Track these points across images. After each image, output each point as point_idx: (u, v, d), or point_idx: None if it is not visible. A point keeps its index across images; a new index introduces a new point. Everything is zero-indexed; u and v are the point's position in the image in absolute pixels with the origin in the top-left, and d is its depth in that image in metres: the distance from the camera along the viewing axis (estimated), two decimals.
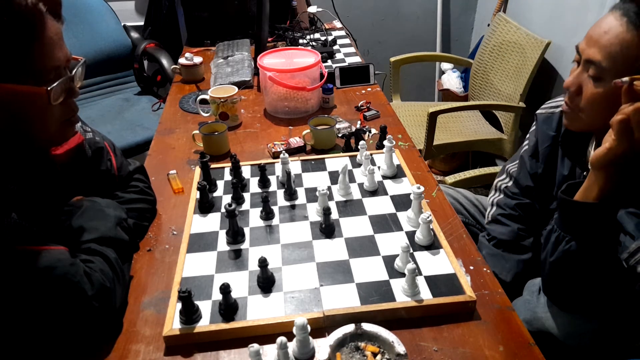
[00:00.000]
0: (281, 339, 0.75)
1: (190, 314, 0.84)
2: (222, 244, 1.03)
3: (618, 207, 0.87)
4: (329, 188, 1.17)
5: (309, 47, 1.98)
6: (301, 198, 1.16)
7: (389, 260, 0.96)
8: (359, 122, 1.52)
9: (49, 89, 0.79)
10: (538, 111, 1.17)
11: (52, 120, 0.85)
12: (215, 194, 1.19)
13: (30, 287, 0.77)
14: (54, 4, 0.80)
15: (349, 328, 0.81)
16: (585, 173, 1.02)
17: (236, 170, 1.20)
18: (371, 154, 1.29)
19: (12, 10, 0.73)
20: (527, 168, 1.21)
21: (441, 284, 0.91)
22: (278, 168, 1.25)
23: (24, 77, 0.77)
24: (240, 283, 0.93)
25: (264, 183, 1.20)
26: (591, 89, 0.91)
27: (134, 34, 2.51)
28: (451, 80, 2.90)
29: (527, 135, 1.23)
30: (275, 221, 1.09)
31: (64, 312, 0.80)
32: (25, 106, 0.80)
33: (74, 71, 0.86)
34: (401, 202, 1.13)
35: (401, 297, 0.88)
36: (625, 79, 0.80)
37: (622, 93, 0.81)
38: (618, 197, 0.85)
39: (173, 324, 0.84)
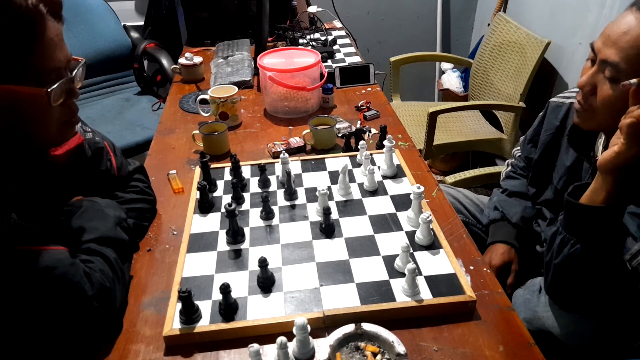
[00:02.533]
0: (281, 339, 0.75)
1: (190, 314, 0.84)
2: (222, 244, 1.03)
3: (624, 210, 0.87)
4: (329, 188, 1.17)
5: (309, 47, 1.97)
6: (301, 198, 1.16)
7: (389, 260, 0.96)
8: (359, 122, 1.52)
9: (49, 90, 0.79)
10: (552, 99, 1.18)
11: (52, 121, 0.85)
12: (215, 194, 1.19)
13: (30, 287, 0.77)
14: (54, 5, 0.79)
15: (349, 328, 0.81)
16: (592, 167, 1.02)
17: (236, 170, 1.20)
18: (371, 154, 1.29)
19: (13, 11, 0.73)
20: (524, 149, 1.28)
21: (441, 284, 0.91)
22: (278, 168, 1.25)
23: (24, 78, 0.77)
24: (240, 283, 0.93)
25: (264, 183, 1.20)
26: (607, 90, 0.88)
27: (134, 34, 2.50)
28: (451, 80, 2.90)
29: (537, 118, 1.26)
30: (275, 221, 1.09)
31: (64, 312, 0.80)
32: (25, 107, 0.80)
33: (74, 72, 0.86)
34: (401, 202, 1.13)
35: (401, 297, 0.88)
36: (634, 80, 0.78)
37: (630, 95, 0.79)
38: (625, 201, 0.84)
39: (173, 324, 0.84)
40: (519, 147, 1.37)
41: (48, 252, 0.80)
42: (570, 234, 0.89)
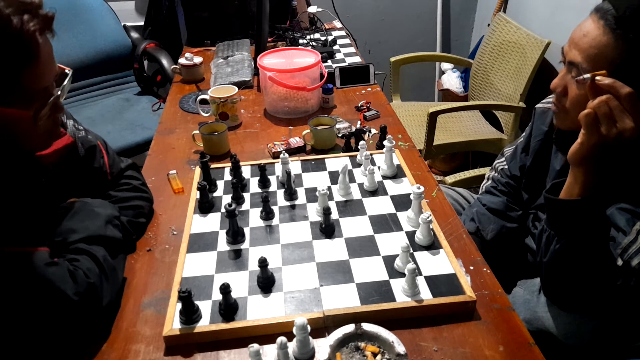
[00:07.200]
0: (281, 339, 0.75)
1: (190, 314, 0.84)
2: (222, 244, 1.03)
3: (603, 202, 0.89)
4: (329, 188, 1.17)
5: (309, 47, 1.98)
6: (301, 198, 1.16)
7: (389, 260, 0.96)
8: (359, 122, 1.52)
9: (35, 113, 0.80)
10: (537, 105, 1.21)
11: (36, 134, 0.85)
12: (215, 194, 1.19)
13: (8, 288, 0.77)
14: (47, 20, 0.78)
15: (349, 328, 0.81)
16: None
17: (236, 170, 1.20)
18: (371, 154, 1.29)
19: (8, 35, 0.72)
20: (517, 160, 1.27)
21: (441, 284, 0.91)
22: (278, 168, 1.25)
23: (12, 100, 0.77)
24: (240, 283, 0.93)
25: (264, 183, 1.20)
26: (575, 90, 0.93)
27: (134, 34, 2.50)
28: (451, 80, 2.90)
29: (527, 127, 1.27)
30: (275, 221, 1.09)
31: (44, 311, 0.80)
32: (10, 125, 0.80)
33: (61, 87, 0.86)
34: (401, 202, 1.13)
35: (401, 297, 0.88)
36: (587, 75, 0.84)
37: (586, 89, 0.84)
38: (601, 192, 0.87)
39: (173, 324, 0.84)
40: (502, 160, 1.37)
41: (27, 253, 0.80)
42: (554, 230, 0.91)
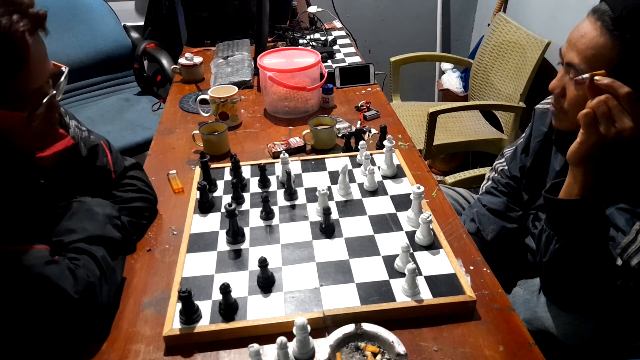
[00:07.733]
0: (281, 339, 0.75)
1: (190, 314, 0.84)
2: (222, 244, 1.03)
3: (602, 202, 0.89)
4: (329, 188, 1.17)
5: (309, 47, 1.98)
6: (301, 198, 1.16)
7: (389, 260, 0.96)
8: (359, 122, 1.52)
9: (29, 114, 0.79)
10: (537, 106, 1.22)
11: (31, 135, 0.84)
12: (215, 194, 1.19)
13: (8, 286, 0.77)
14: (39, 19, 0.77)
15: (349, 328, 0.81)
16: None
17: (236, 170, 1.20)
18: (371, 154, 1.29)
19: None
20: (517, 160, 1.28)
21: (441, 284, 0.91)
22: (278, 168, 1.25)
23: (4, 102, 0.77)
24: (240, 283, 0.93)
25: (264, 183, 1.20)
26: (573, 91, 0.94)
27: (134, 34, 2.50)
28: (451, 80, 2.90)
29: (527, 128, 1.27)
30: (275, 221, 1.09)
31: (45, 309, 0.80)
32: (5, 127, 0.80)
33: (57, 86, 0.85)
34: (401, 202, 1.13)
35: (401, 297, 0.88)
36: (586, 75, 0.85)
37: (585, 89, 0.85)
38: (601, 192, 0.87)
39: (173, 324, 0.84)
40: (502, 161, 1.37)
41: (26, 251, 0.80)
42: (553, 230, 0.91)
